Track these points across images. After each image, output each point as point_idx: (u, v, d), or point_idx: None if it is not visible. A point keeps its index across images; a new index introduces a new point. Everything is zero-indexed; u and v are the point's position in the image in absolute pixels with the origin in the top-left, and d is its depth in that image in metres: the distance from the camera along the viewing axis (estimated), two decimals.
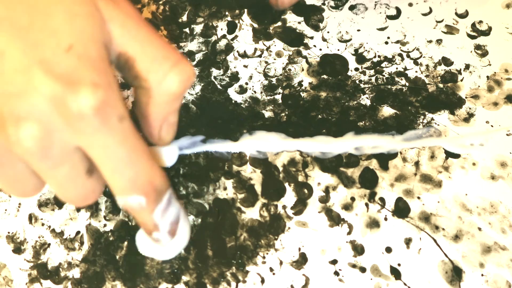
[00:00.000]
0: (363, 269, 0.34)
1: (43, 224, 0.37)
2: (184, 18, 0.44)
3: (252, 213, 0.36)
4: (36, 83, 0.25)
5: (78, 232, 0.36)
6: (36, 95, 0.25)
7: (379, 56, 0.41)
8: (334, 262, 0.34)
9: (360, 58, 0.41)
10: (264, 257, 0.35)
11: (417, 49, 0.41)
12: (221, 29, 0.43)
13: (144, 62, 0.29)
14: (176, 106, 0.31)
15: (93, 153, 0.27)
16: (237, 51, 0.42)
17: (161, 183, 0.30)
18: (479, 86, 0.39)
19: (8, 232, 0.36)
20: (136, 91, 0.30)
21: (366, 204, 0.36)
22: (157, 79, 0.29)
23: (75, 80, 0.25)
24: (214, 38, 0.43)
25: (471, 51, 0.40)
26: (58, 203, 0.37)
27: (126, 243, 0.36)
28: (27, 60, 0.25)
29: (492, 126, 0.37)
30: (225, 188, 0.37)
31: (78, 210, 0.37)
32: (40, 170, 0.27)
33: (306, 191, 0.36)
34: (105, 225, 0.36)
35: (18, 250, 0.36)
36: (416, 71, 0.40)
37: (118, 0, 0.29)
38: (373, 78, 0.40)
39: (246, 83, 0.41)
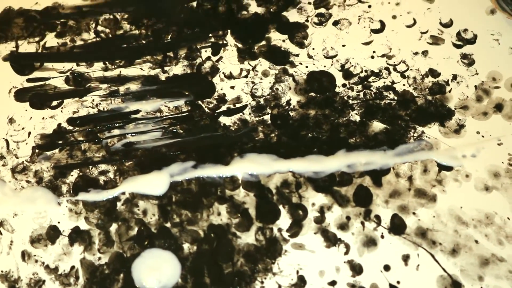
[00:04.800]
0: None
1: (36, 261, 0.36)
2: (168, 41, 0.44)
3: (247, 238, 0.36)
4: None
5: (72, 267, 0.36)
6: None
7: (365, 71, 0.40)
8: (333, 283, 0.34)
9: (347, 73, 0.41)
10: (262, 282, 0.34)
11: (404, 62, 0.41)
12: (205, 51, 0.43)
13: None
14: None
15: None
16: (223, 73, 0.42)
17: None
18: (467, 96, 0.39)
19: (1, 271, 0.36)
20: None
21: (362, 223, 0.35)
22: None
23: None
24: (199, 60, 0.42)
25: (457, 61, 0.40)
26: (51, 238, 0.37)
27: (122, 275, 0.35)
28: None
29: (483, 136, 0.37)
30: (219, 214, 0.37)
31: (71, 244, 0.36)
32: None
33: (300, 212, 0.36)
34: (99, 258, 0.36)
35: None
36: (404, 84, 0.40)
37: None
38: (361, 94, 0.40)
39: (234, 105, 0.40)
